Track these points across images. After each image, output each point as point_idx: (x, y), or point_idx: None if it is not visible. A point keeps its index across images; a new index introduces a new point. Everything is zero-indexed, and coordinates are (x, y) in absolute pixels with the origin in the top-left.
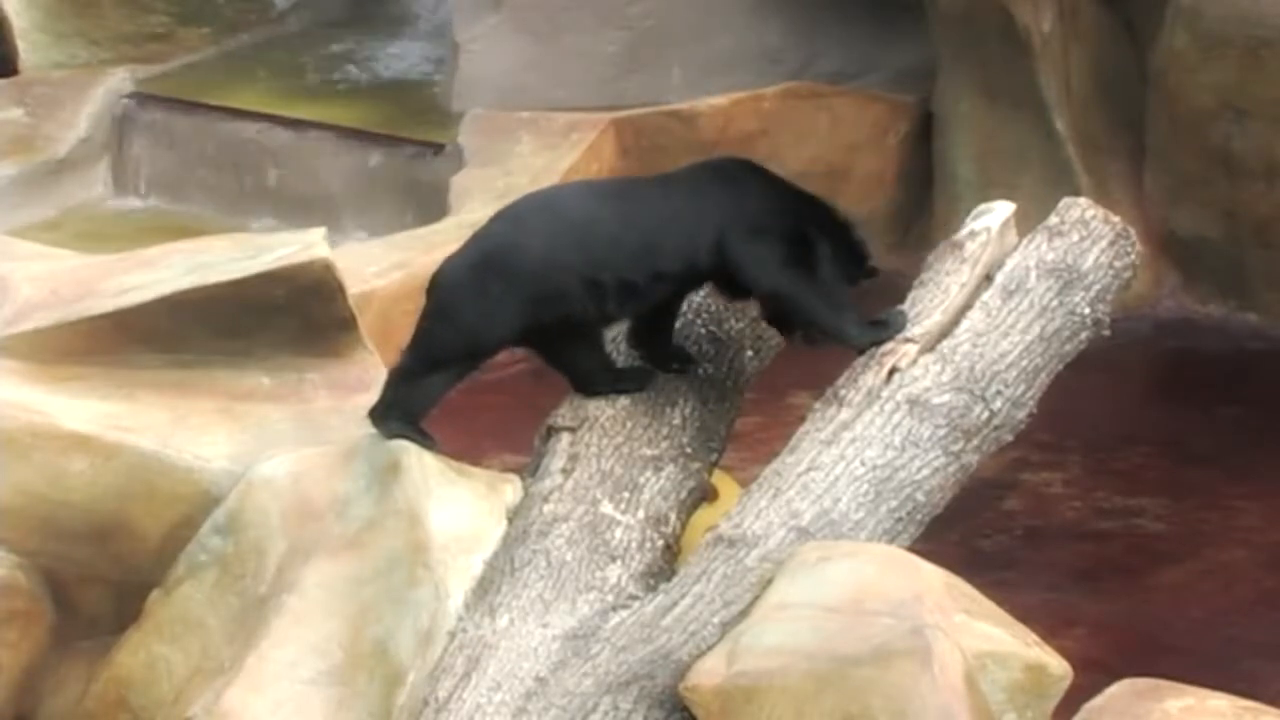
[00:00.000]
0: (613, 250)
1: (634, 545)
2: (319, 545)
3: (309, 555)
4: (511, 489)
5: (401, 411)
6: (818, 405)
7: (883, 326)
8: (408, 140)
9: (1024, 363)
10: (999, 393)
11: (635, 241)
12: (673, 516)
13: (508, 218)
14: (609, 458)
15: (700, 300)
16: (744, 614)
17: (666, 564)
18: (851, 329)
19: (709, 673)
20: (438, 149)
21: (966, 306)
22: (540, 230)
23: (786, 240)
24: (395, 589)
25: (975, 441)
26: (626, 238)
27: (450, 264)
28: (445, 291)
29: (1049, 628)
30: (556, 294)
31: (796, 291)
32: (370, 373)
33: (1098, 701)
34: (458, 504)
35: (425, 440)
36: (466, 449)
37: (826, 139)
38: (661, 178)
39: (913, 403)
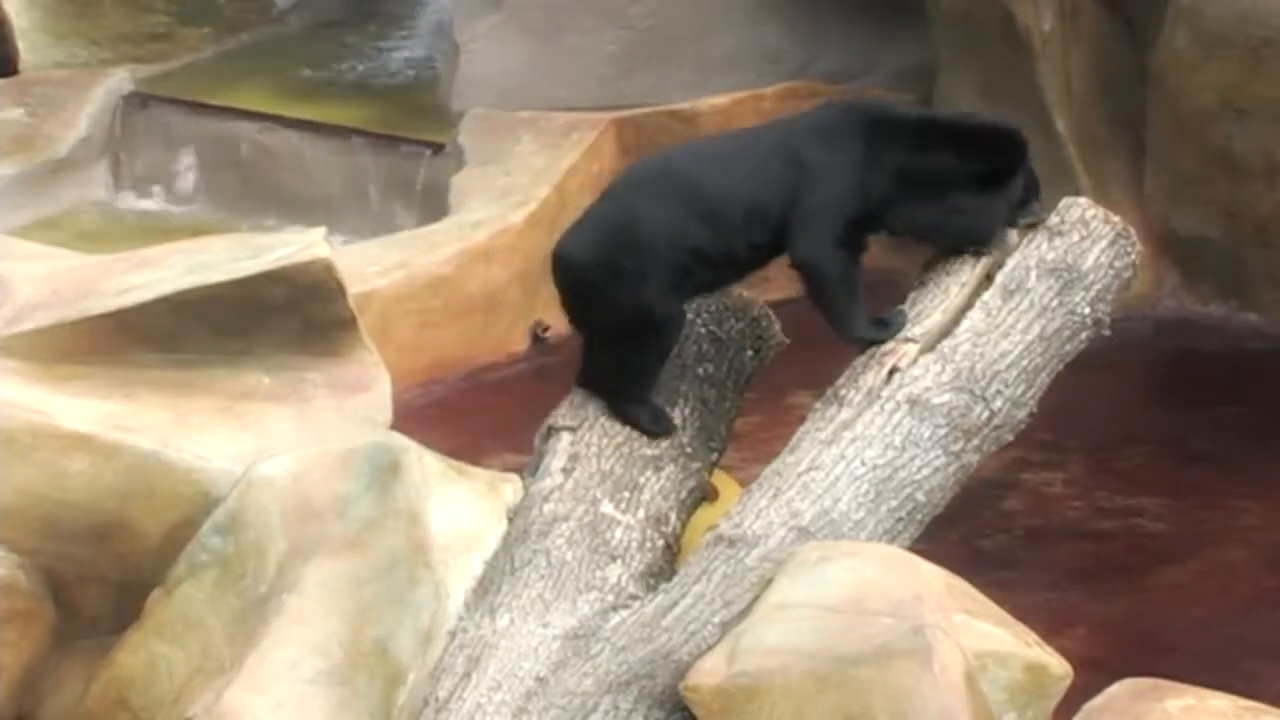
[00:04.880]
0: (712, 224)
1: (634, 545)
2: (319, 545)
3: (309, 555)
4: (512, 489)
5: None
6: (818, 405)
7: (884, 326)
8: (408, 140)
9: (1024, 362)
10: (999, 392)
11: (736, 215)
12: (673, 516)
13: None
14: (609, 457)
15: (700, 300)
16: (744, 614)
17: (667, 564)
18: (858, 322)
19: (709, 672)
20: (438, 149)
21: (966, 306)
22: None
23: (847, 220)
24: (395, 589)
25: (975, 441)
26: (727, 210)
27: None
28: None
29: (1049, 628)
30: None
31: (826, 270)
32: (370, 373)
33: (1098, 701)
34: (458, 504)
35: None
36: (466, 449)
37: None
38: (782, 130)
39: (913, 402)
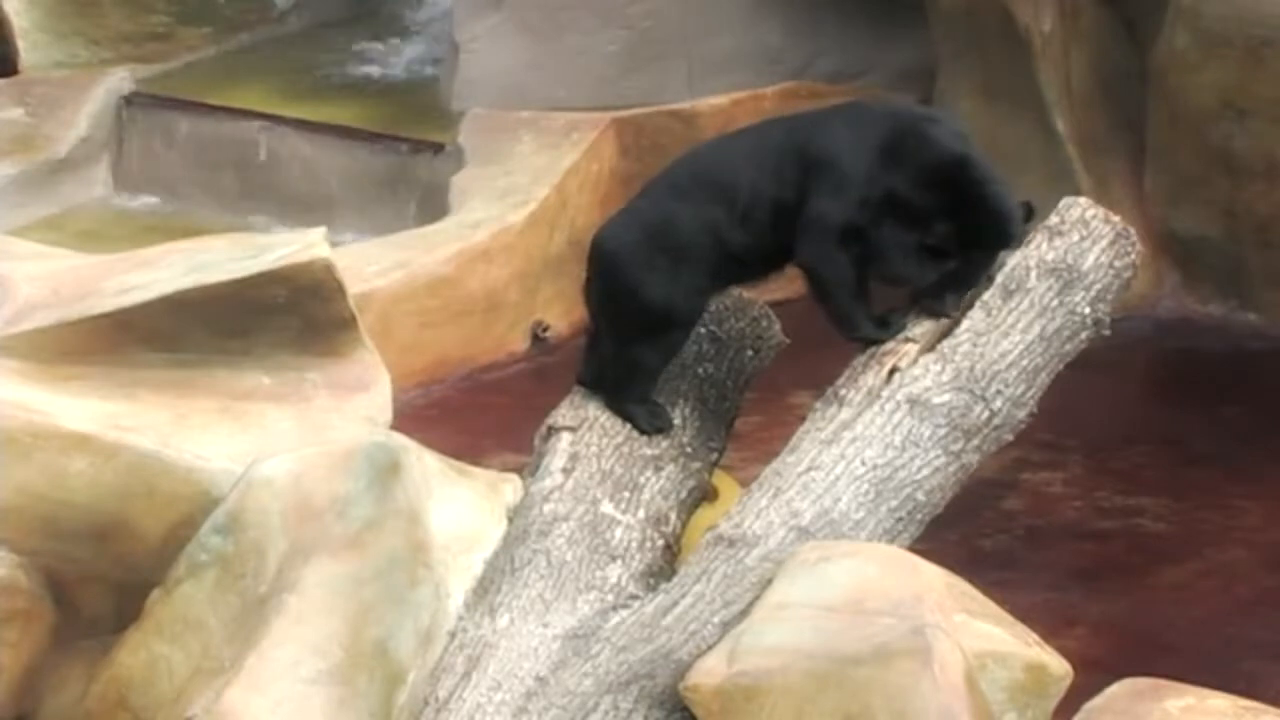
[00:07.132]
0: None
1: (634, 545)
2: (319, 545)
3: (309, 555)
4: (511, 489)
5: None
6: (818, 405)
7: (885, 326)
8: (408, 140)
9: (1024, 362)
10: (999, 392)
11: (765, 214)
12: (673, 516)
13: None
14: (609, 457)
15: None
16: (744, 614)
17: (667, 564)
18: (860, 321)
19: (709, 672)
20: (438, 149)
21: (967, 306)
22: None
23: (849, 225)
24: (395, 589)
25: (975, 441)
26: (758, 210)
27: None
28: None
29: (1049, 628)
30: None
31: (825, 273)
32: (370, 373)
33: (1098, 701)
34: (458, 504)
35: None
36: (466, 449)
37: None
38: (806, 124)
39: (913, 402)
